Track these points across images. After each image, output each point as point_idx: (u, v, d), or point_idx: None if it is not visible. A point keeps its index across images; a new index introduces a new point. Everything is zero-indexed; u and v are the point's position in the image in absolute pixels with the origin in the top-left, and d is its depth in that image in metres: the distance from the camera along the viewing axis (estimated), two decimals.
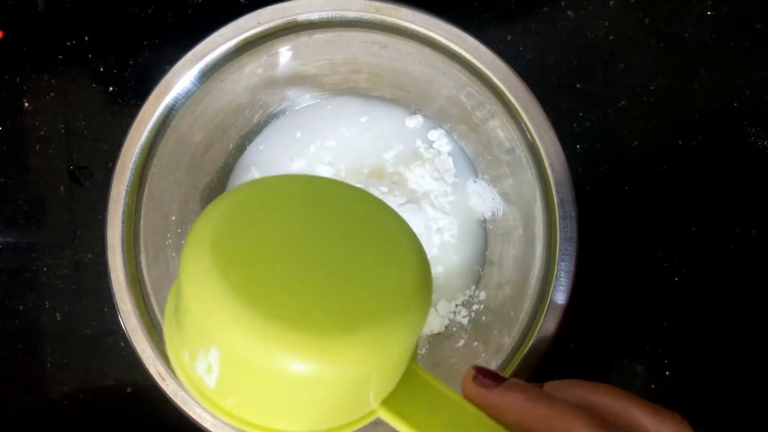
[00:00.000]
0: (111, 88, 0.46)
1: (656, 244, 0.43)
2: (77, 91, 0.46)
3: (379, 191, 0.41)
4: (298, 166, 0.43)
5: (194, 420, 0.34)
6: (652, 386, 0.42)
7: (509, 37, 0.44)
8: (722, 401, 0.42)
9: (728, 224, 0.39)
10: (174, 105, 0.35)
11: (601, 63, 0.44)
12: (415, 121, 0.43)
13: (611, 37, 0.44)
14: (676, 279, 0.43)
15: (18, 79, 0.46)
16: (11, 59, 0.46)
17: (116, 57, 0.46)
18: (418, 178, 0.42)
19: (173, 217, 0.38)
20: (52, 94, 0.46)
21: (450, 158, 0.43)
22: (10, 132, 0.46)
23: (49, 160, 0.45)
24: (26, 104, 0.46)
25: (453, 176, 0.43)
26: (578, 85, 0.44)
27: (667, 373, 0.42)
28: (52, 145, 0.46)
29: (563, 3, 0.45)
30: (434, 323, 0.41)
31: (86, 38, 0.46)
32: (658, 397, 0.42)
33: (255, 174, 0.43)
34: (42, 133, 0.46)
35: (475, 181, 0.43)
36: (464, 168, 0.43)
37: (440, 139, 0.43)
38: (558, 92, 0.44)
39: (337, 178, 0.43)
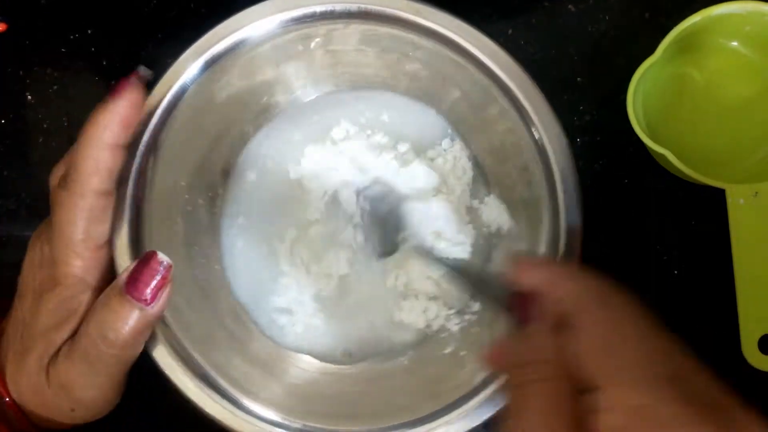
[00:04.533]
0: (114, 82, 0.46)
1: (655, 237, 0.43)
2: (80, 85, 0.46)
3: (388, 185, 0.41)
4: (309, 153, 0.42)
5: (181, 390, 0.34)
6: None
7: (510, 31, 0.44)
8: None
9: (726, 217, 0.39)
10: (189, 84, 0.35)
11: (601, 57, 0.44)
12: (430, 121, 0.43)
13: (612, 32, 0.45)
14: (676, 272, 0.43)
15: (21, 72, 0.46)
16: (14, 52, 0.46)
17: (119, 50, 0.46)
18: (427, 177, 0.42)
19: (182, 183, 0.39)
20: (55, 87, 0.46)
21: (468, 162, 0.42)
22: (13, 125, 0.46)
23: (52, 154, 0.46)
24: (29, 97, 0.46)
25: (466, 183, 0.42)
26: (579, 79, 0.44)
27: None
28: (54, 139, 0.46)
29: None
30: (419, 320, 0.41)
31: (89, 32, 0.46)
32: None
33: (269, 160, 0.43)
34: (45, 127, 0.46)
35: (486, 195, 0.42)
36: (479, 181, 0.43)
37: (454, 146, 0.42)
38: (558, 86, 0.44)
39: (349, 168, 0.42)
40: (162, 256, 0.31)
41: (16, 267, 0.45)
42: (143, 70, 0.33)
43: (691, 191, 0.42)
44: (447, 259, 0.40)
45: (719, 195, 0.40)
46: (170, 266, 0.31)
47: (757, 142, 0.42)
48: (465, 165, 0.42)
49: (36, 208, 0.46)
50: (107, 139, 0.31)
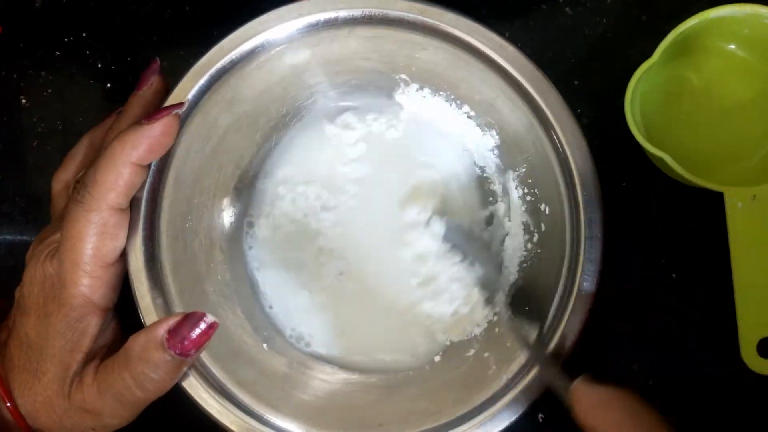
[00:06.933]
0: (108, 85, 0.46)
1: (654, 240, 0.43)
2: (75, 88, 0.46)
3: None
4: (326, 156, 0.43)
5: (201, 406, 0.34)
6: (650, 382, 0.42)
7: (507, 34, 0.44)
8: (719, 399, 0.42)
9: (725, 220, 0.39)
10: (207, 88, 0.35)
11: (598, 60, 0.44)
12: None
13: (609, 35, 0.44)
14: (674, 275, 0.43)
15: (15, 76, 0.46)
16: (8, 56, 0.46)
17: (114, 54, 0.46)
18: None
19: (195, 200, 0.38)
20: (50, 90, 0.46)
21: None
22: (7, 129, 0.46)
23: (46, 157, 0.45)
24: (23, 101, 0.46)
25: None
26: (576, 82, 0.44)
27: (665, 370, 0.42)
28: (49, 142, 0.46)
29: (561, 0, 0.45)
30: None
31: (84, 35, 0.46)
32: (655, 394, 0.42)
33: (286, 167, 0.43)
34: (39, 130, 0.46)
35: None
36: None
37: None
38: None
39: (367, 171, 0.42)
40: (210, 316, 0.31)
41: (10, 270, 0.45)
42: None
43: (689, 194, 0.42)
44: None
45: (717, 198, 0.40)
46: (216, 324, 0.32)
47: (755, 145, 0.42)
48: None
49: (30, 211, 0.45)
50: (132, 158, 0.31)
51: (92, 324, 0.32)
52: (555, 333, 0.34)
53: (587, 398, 0.30)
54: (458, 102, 0.41)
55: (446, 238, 0.41)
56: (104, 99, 0.46)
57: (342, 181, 0.42)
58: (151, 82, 0.36)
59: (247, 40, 0.35)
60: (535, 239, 0.39)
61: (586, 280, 0.33)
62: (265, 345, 0.40)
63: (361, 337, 0.41)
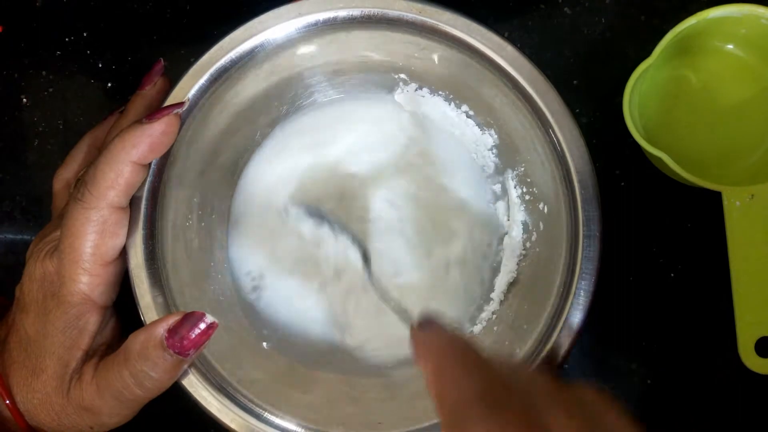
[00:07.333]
0: (109, 84, 0.46)
1: (652, 239, 0.43)
2: (75, 87, 0.46)
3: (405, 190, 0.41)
4: (326, 154, 0.42)
5: (201, 404, 0.34)
6: (648, 381, 0.42)
7: (506, 34, 0.44)
8: (718, 398, 0.42)
9: (723, 220, 0.39)
10: (207, 87, 0.35)
11: (597, 60, 0.45)
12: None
13: (608, 34, 0.45)
14: (672, 275, 0.43)
15: (16, 75, 0.46)
16: (9, 55, 0.46)
17: (114, 53, 0.46)
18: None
19: (196, 199, 0.38)
20: (51, 89, 0.46)
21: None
22: (8, 128, 0.46)
23: (47, 156, 0.46)
24: (24, 100, 0.46)
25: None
26: (575, 82, 0.44)
27: (663, 369, 0.43)
28: (50, 141, 0.46)
29: (560, 0, 0.45)
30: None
31: (84, 34, 0.46)
32: (654, 393, 0.42)
33: (277, 159, 0.42)
34: (40, 129, 0.46)
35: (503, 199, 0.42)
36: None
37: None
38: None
39: (362, 171, 0.42)
40: (209, 317, 0.32)
41: (10, 269, 0.45)
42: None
43: (688, 194, 0.42)
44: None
45: (715, 197, 0.40)
46: (216, 325, 0.32)
47: (753, 145, 0.42)
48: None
49: (31, 210, 0.46)
50: (132, 157, 0.32)
51: (91, 322, 0.33)
52: (557, 328, 0.34)
53: (419, 340, 0.29)
54: (457, 101, 0.41)
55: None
56: (105, 98, 0.46)
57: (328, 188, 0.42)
58: (155, 82, 0.36)
59: (246, 39, 0.35)
60: (533, 238, 0.39)
61: (584, 278, 0.34)
62: (264, 344, 0.40)
63: (355, 338, 0.41)
